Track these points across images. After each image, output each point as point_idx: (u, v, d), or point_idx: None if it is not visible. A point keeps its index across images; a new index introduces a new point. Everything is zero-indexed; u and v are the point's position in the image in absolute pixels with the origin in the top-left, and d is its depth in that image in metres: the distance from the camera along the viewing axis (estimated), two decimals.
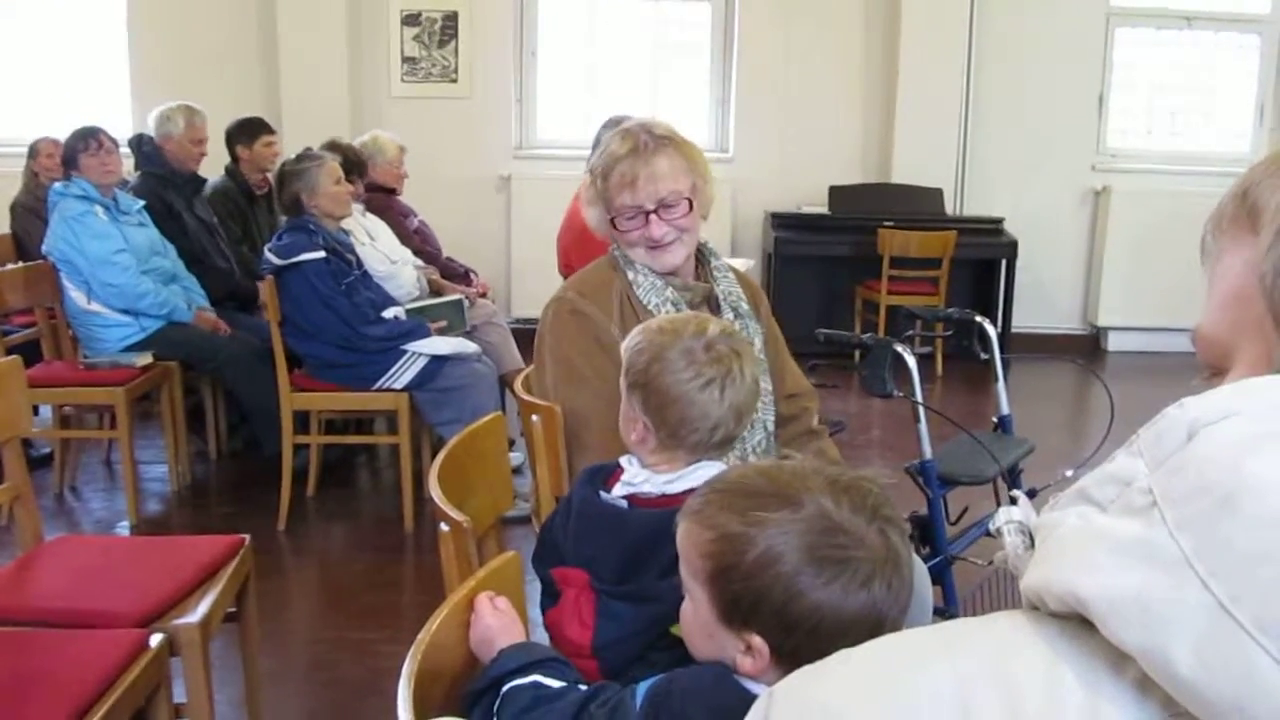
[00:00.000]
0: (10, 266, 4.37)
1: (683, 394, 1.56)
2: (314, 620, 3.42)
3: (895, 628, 1.10)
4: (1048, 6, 6.94)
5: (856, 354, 6.16)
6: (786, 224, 6.74)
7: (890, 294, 6.23)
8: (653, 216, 2.06)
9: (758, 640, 1.11)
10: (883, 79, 7.03)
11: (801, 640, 1.08)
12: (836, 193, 6.81)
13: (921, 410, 2.87)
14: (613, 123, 3.48)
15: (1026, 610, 0.72)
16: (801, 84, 7.05)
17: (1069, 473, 1.92)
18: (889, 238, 6.25)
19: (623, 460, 1.64)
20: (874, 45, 7.03)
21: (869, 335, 2.94)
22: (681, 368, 1.56)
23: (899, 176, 6.91)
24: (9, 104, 7.17)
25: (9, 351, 3.87)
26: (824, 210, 6.82)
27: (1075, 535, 0.69)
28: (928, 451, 2.92)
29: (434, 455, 4.19)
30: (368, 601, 3.44)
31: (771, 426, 2.11)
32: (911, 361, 2.85)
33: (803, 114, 7.07)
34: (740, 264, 3.20)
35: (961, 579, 3.04)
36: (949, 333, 3.86)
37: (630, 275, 2.10)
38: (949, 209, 6.89)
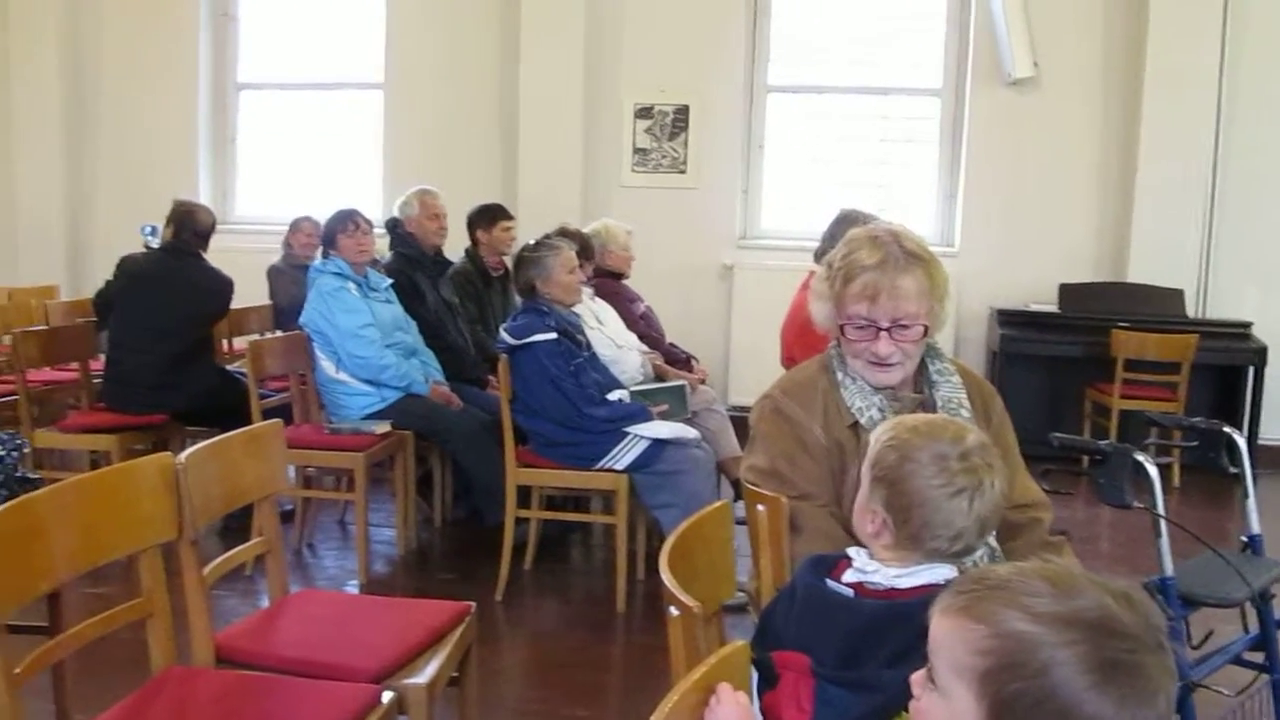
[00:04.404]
0: (270, 335, 4.74)
1: (930, 499, 1.55)
2: (525, 692, 3.48)
3: None
4: None
5: (1085, 460, 5.93)
6: (1013, 321, 6.56)
7: (1124, 398, 5.95)
8: (883, 334, 1.99)
9: None
10: (1119, 172, 6.80)
11: None
12: (1068, 291, 6.59)
13: (1163, 524, 2.72)
14: (847, 218, 3.49)
15: None
16: (1031, 177, 6.90)
17: None
18: (1124, 339, 5.98)
19: (850, 551, 1.64)
20: (1111, 137, 6.81)
21: (1107, 442, 2.81)
22: (933, 473, 1.55)
23: (1135, 275, 6.63)
24: (275, 185, 7.85)
25: (265, 414, 4.18)
26: (1054, 308, 6.60)
27: None
28: (1168, 568, 2.75)
29: (648, 537, 4.27)
30: (578, 679, 3.49)
31: (994, 540, 1.99)
32: (1153, 471, 2.70)
33: (1032, 208, 6.91)
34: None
35: (1202, 708, 2.83)
36: (1192, 443, 3.64)
37: (839, 376, 2.06)
38: (1190, 310, 6.55)
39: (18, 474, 2.35)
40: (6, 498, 2.13)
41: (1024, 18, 6.67)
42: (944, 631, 1.12)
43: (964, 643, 1.08)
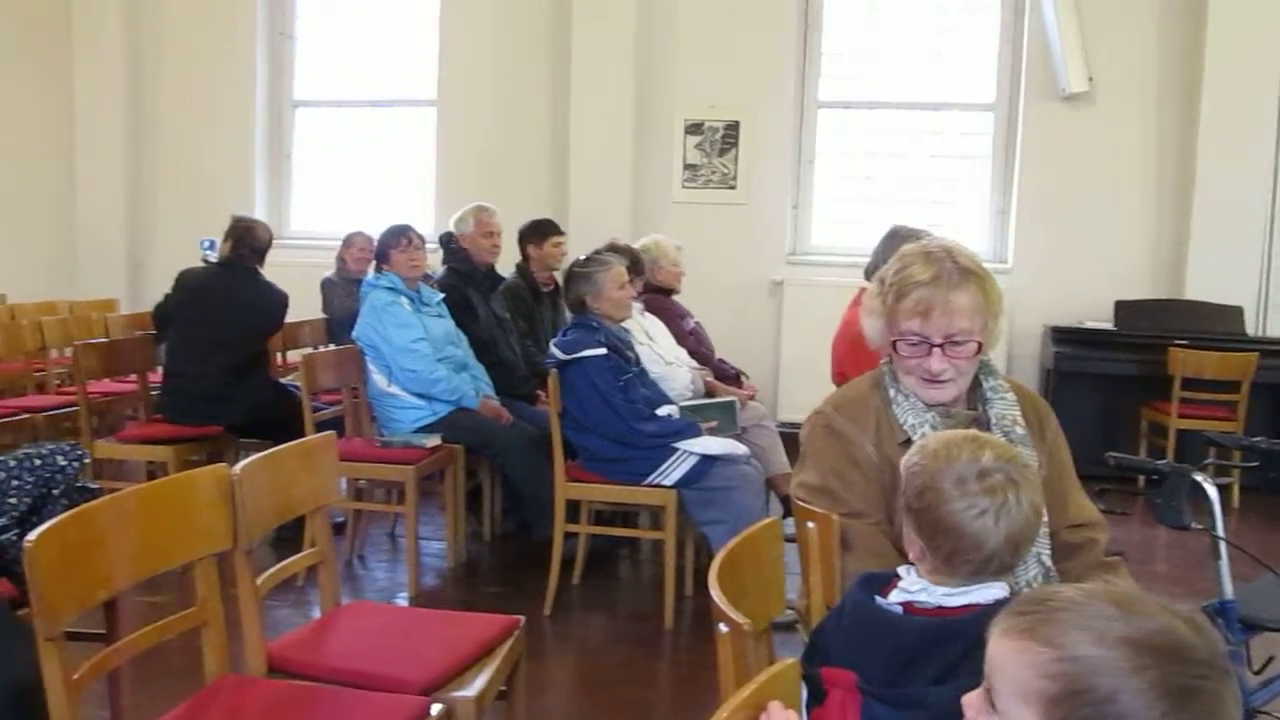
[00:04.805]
0: (323, 349, 4.80)
1: (954, 525, 1.54)
2: (571, 706, 3.48)
3: None
4: None
5: (1141, 480, 5.83)
6: (1068, 339, 6.48)
7: (1181, 417, 5.86)
8: (936, 350, 1.97)
9: None
10: (1176, 186, 6.71)
11: None
12: (1124, 308, 6.51)
13: (1223, 546, 2.66)
14: (898, 234, 3.46)
15: None
16: (1086, 192, 6.83)
17: None
18: (1182, 357, 5.89)
19: (900, 569, 1.63)
20: (1167, 151, 6.73)
21: (1165, 462, 2.76)
22: (955, 497, 1.54)
23: (1194, 292, 6.53)
24: (329, 201, 7.96)
25: (317, 427, 4.22)
26: (1109, 325, 6.52)
27: None
28: (1228, 591, 2.69)
29: (696, 553, 4.25)
30: (624, 694, 3.48)
31: (1048, 560, 1.96)
32: (1213, 492, 2.65)
33: (1087, 224, 6.84)
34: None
35: None
36: (1252, 463, 3.56)
37: (891, 393, 2.04)
38: (1250, 327, 6.43)
39: (78, 484, 2.40)
40: (67, 507, 2.17)
41: (1078, 31, 6.61)
42: (1007, 653, 1.09)
43: (1030, 666, 1.06)
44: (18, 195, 8.35)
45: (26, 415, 5.29)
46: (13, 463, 2.34)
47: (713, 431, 4.12)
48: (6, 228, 8.36)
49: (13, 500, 2.29)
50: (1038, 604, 1.10)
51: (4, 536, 2.24)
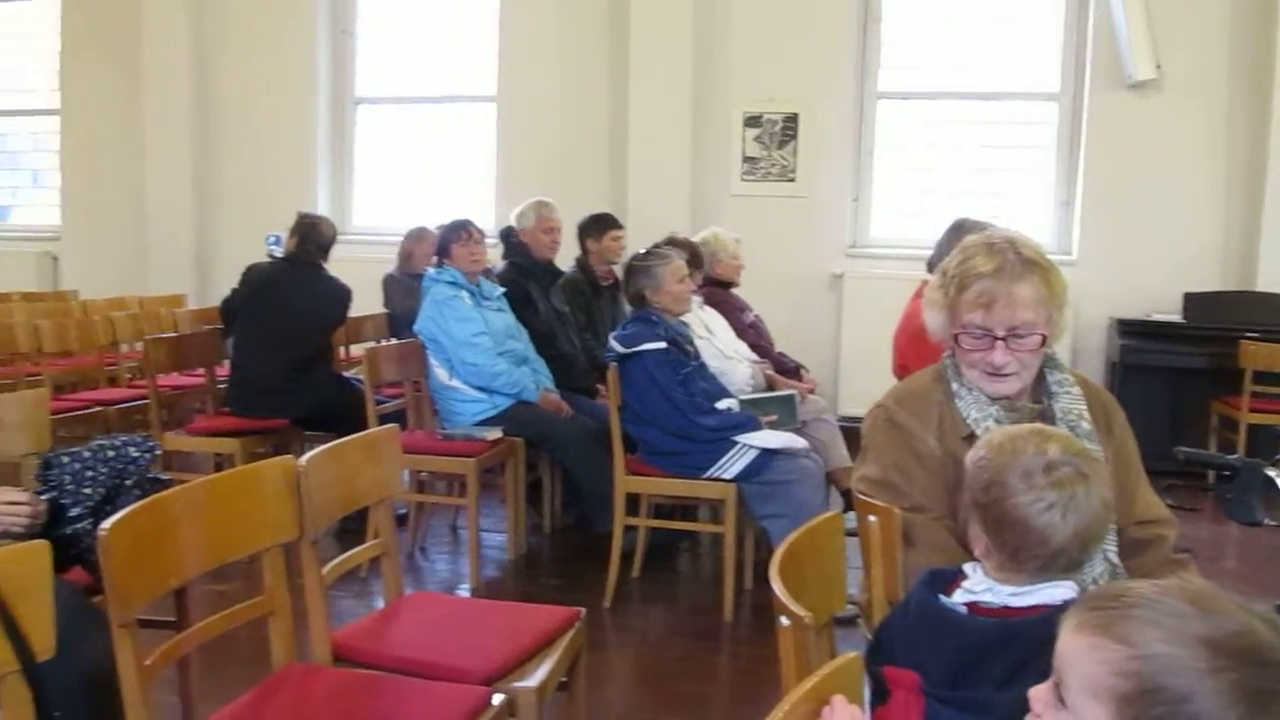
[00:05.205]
0: (386, 343, 4.85)
1: (1020, 518, 1.52)
2: (631, 699, 3.49)
3: None
4: None
5: (1210, 475, 5.71)
6: (1134, 332, 6.37)
7: (1253, 411, 5.72)
8: (999, 343, 1.94)
9: None
10: (1247, 175, 6.56)
11: None
12: (1193, 300, 6.37)
13: None
14: (962, 226, 3.43)
15: None
16: (1153, 182, 6.69)
17: None
18: (1253, 350, 5.75)
19: (966, 566, 1.61)
20: (1238, 139, 6.57)
21: (1236, 457, 2.71)
22: (1021, 490, 1.52)
23: (1266, 283, 6.37)
24: (390, 197, 8.05)
25: (380, 420, 4.27)
26: (1177, 318, 6.39)
27: None
28: None
29: (755, 547, 4.24)
30: (683, 688, 3.49)
31: (1115, 557, 1.93)
32: None
33: (1154, 215, 6.70)
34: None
35: None
36: None
37: (954, 386, 2.02)
38: None
39: (150, 475, 2.45)
40: (139, 497, 2.22)
41: (1145, 17, 6.47)
42: (1079, 649, 1.07)
43: (1104, 663, 1.04)
44: (92, 195, 8.55)
45: (99, 408, 5.42)
46: (87, 454, 2.39)
47: (772, 425, 4.10)
48: (83, 227, 8.58)
49: (87, 490, 2.35)
50: (1112, 599, 1.08)
51: (79, 525, 2.30)
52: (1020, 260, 1.95)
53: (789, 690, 1.35)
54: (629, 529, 4.21)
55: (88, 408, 5.41)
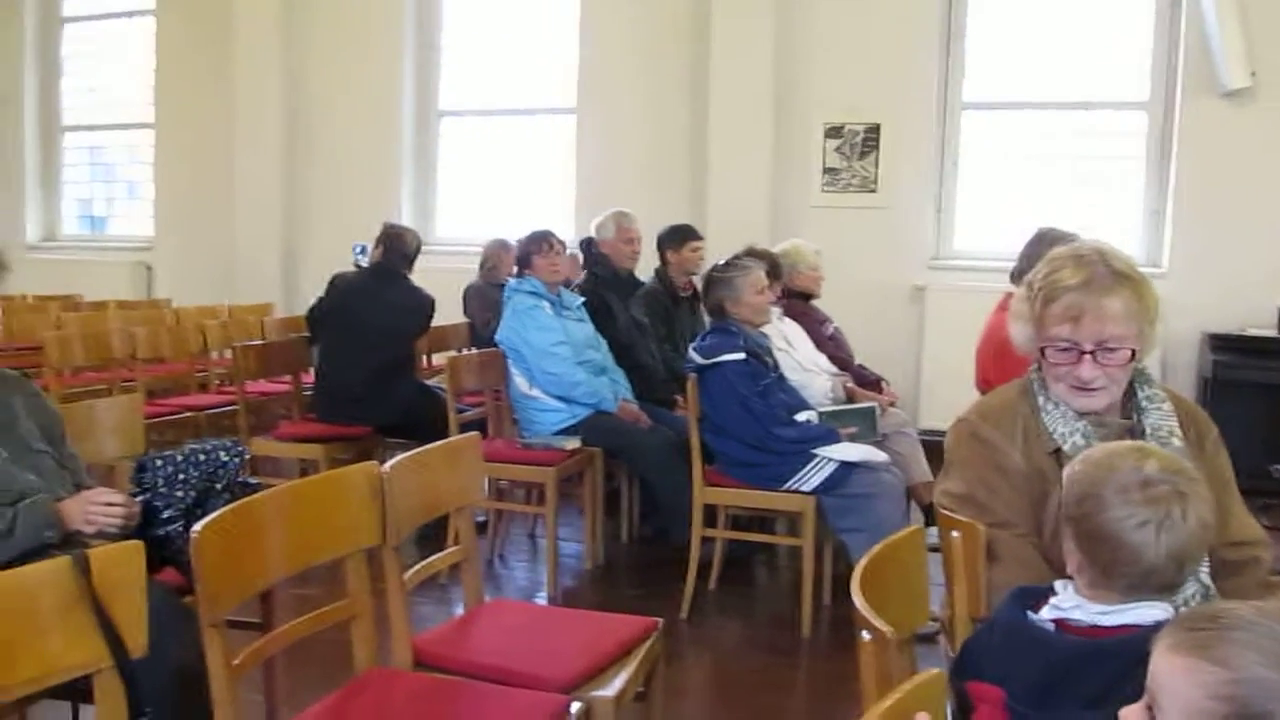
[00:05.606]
0: (467, 352, 4.91)
1: (1112, 534, 1.48)
2: (709, 710, 3.48)
3: None
4: None
5: None
6: (1228, 346, 6.19)
7: None
8: (1087, 357, 1.90)
9: None
10: None
11: None
12: None
13: None
14: (1046, 237, 3.37)
15: None
16: (1247, 193, 6.49)
17: None
18: None
19: (1057, 584, 1.59)
20: None
21: None
22: (1115, 504, 1.49)
23: None
24: (473, 208, 8.16)
25: (461, 428, 4.32)
26: (1272, 332, 6.20)
27: None
28: None
29: (834, 561, 4.20)
30: (761, 701, 3.46)
31: (1208, 578, 1.87)
32: None
33: (1248, 226, 6.50)
34: None
35: None
36: None
37: (1040, 400, 1.98)
38: None
39: (239, 479, 2.51)
40: (229, 501, 2.27)
41: (1240, 24, 6.29)
42: (1175, 670, 1.06)
43: (1201, 685, 1.03)
44: (185, 206, 8.81)
45: (190, 413, 5.57)
46: (180, 458, 2.46)
47: (852, 438, 4.06)
48: (175, 238, 8.84)
49: (179, 493, 2.41)
50: (1209, 620, 1.06)
51: (171, 527, 2.36)
52: (1110, 272, 1.91)
53: (869, 706, 1.34)
54: (706, 540, 4.19)
55: (179, 413, 5.56)
